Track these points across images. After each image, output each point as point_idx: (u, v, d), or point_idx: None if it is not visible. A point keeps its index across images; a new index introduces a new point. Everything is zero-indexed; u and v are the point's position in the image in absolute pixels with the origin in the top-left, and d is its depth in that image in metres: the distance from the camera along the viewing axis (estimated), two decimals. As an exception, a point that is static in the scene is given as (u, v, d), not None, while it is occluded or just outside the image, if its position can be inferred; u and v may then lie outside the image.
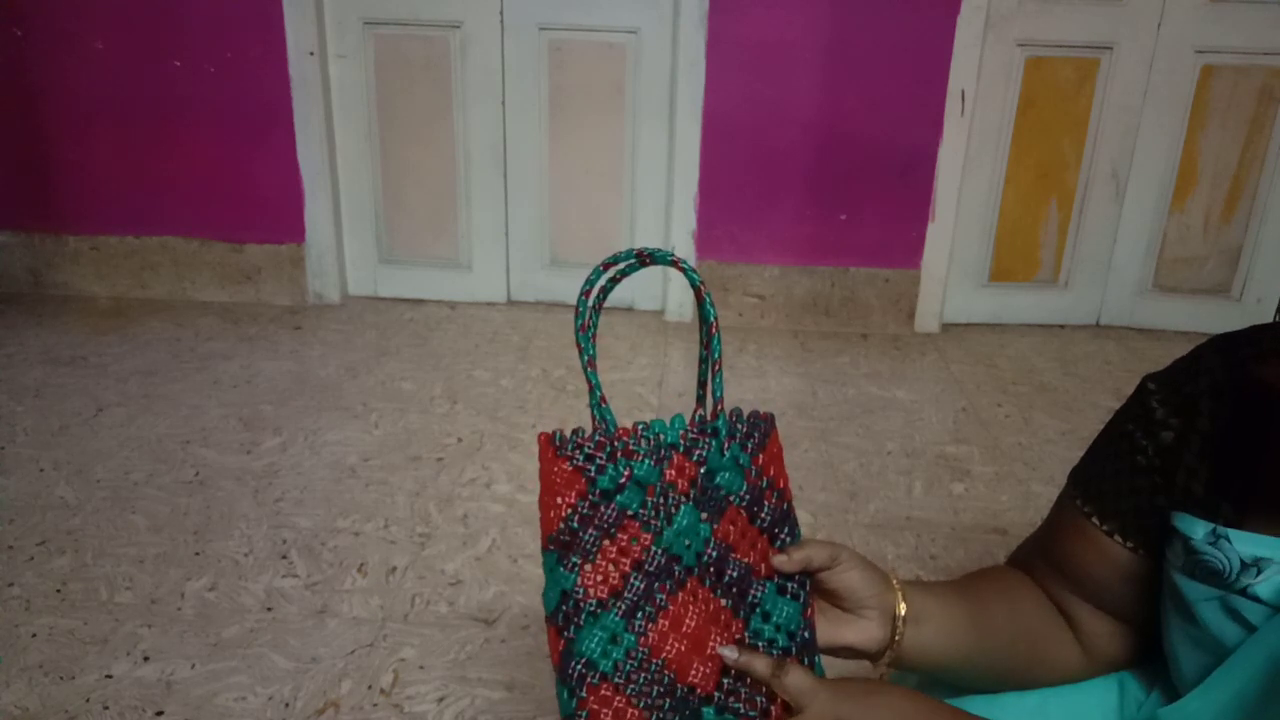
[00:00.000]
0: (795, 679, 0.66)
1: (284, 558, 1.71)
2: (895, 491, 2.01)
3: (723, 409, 0.71)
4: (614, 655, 0.65)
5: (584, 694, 0.64)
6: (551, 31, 2.75)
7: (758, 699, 0.68)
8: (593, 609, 0.65)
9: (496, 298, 3.03)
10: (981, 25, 2.63)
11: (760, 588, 0.70)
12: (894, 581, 0.74)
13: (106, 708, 1.35)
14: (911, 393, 2.49)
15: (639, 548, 0.67)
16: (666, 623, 0.67)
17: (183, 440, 2.11)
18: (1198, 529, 0.69)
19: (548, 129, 2.85)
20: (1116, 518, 0.76)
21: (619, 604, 0.66)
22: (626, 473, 0.67)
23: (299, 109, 2.78)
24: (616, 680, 0.65)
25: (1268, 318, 0.70)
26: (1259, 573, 0.66)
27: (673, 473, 0.68)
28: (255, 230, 2.91)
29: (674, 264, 0.69)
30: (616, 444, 0.67)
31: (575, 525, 0.66)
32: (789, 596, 0.70)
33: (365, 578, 1.66)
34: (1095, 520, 0.78)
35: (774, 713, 0.68)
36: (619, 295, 3.00)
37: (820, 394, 2.47)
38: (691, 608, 0.68)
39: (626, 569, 0.66)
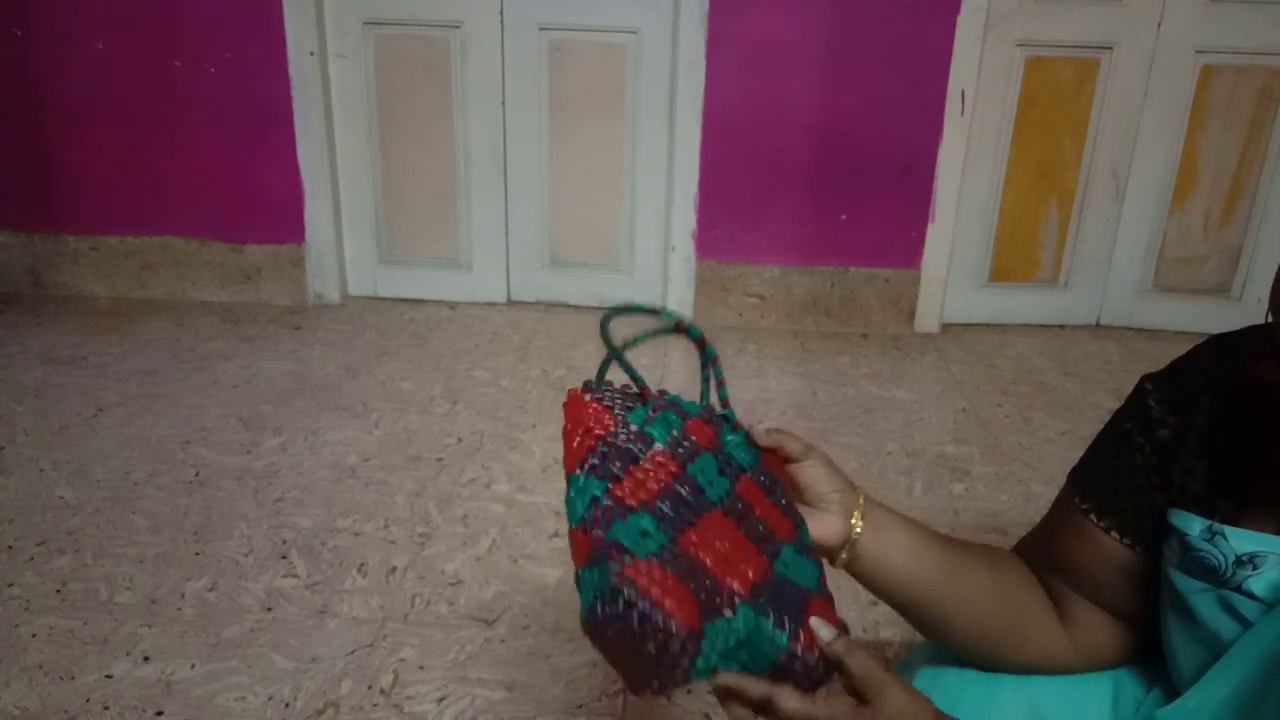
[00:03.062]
0: (789, 704, 0.65)
1: (284, 558, 1.71)
2: (895, 491, 2.01)
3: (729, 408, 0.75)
4: (648, 546, 0.64)
5: (619, 568, 0.62)
6: (551, 31, 2.75)
7: (786, 620, 0.66)
8: (621, 514, 0.65)
9: (496, 298, 3.03)
10: (981, 25, 2.63)
11: (780, 545, 0.70)
12: (857, 486, 0.78)
13: (106, 708, 1.35)
14: (911, 393, 2.49)
15: (667, 473, 0.68)
16: (696, 537, 0.66)
17: (183, 440, 2.11)
18: (1194, 525, 0.70)
19: (548, 129, 2.85)
20: (1114, 515, 0.77)
21: (649, 512, 0.66)
22: (654, 410, 0.70)
23: (299, 109, 2.78)
24: (653, 561, 0.63)
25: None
26: (1254, 569, 0.66)
27: (693, 428, 0.72)
28: (255, 230, 2.91)
29: (679, 328, 0.73)
30: (645, 390, 0.72)
31: (605, 451, 0.68)
32: (808, 557, 0.71)
33: (365, 578, 1.66)
34: (1093, 517, 0.78)
35: (803, 637, 0.65)
36: (618, 295, 2.99)
37: (820, 394, 2.47)
38: (721, 531, 0.68)
39: (655, 489, 0.67)
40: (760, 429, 0.75)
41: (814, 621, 0.65)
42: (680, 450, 0.70)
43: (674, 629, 0.60)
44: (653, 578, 0.62)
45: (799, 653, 0.64)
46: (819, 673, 0.65)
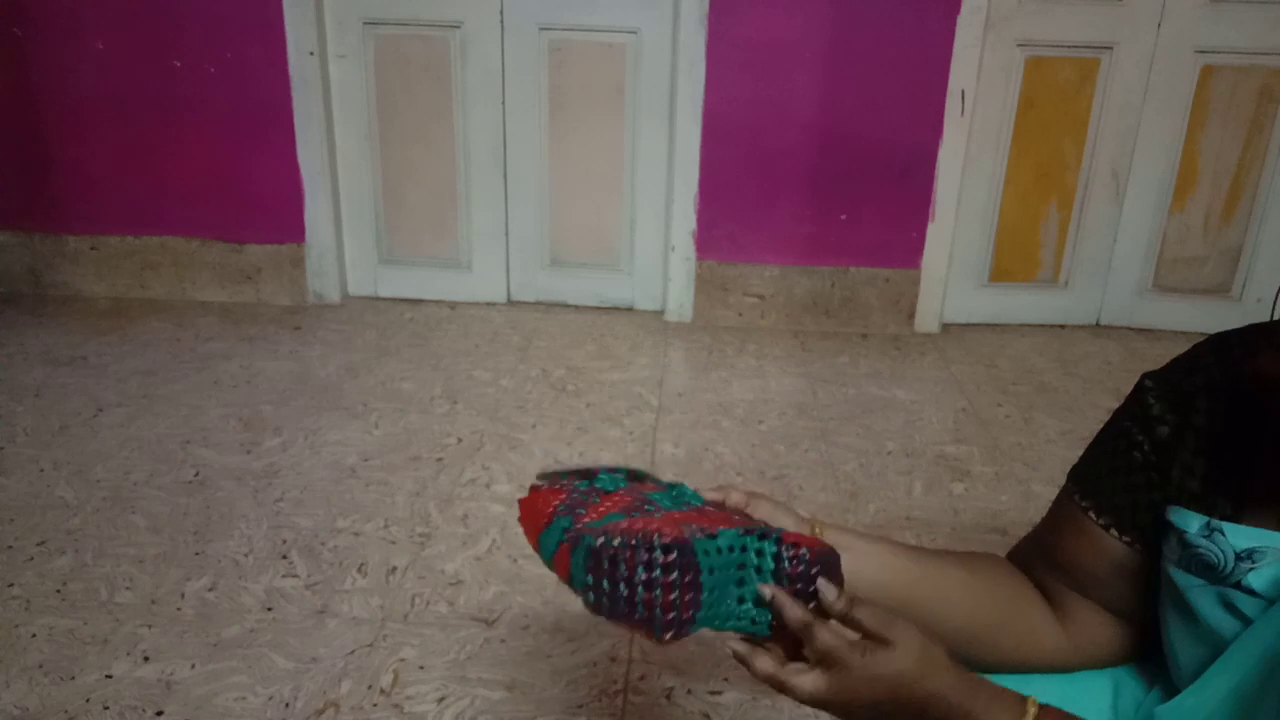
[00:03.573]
0: (825, 638, 0.67)
1: (284, 558, 1.71)
2: (895, 491, 2.01)
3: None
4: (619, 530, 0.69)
5: (598, 534, 0.67)
6: (551, 31, 2.75)
7: (769, 532, 0.70)
8: (592, 518, 0.70)
9: (496, 298, 3.03)
10: (981, 25, 2.63)
11: (751, 525, 0.74)
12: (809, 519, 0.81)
13: (106, 708, 1.35)
14: (911, 393, 2.49)
15: (627, 500, 0.72)
16: (662, 520, 0.71)
17: (183, 440, 2.11)
18: (1192, 522, 0.70)
19: (548, 129, 2.85)
20: (1113, 512, 0.77)
21: (616, 512, 0.71)
22: (598, 471, 0.75)
23: (299, 109, 2.78)
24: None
25: (1267, 317, 0.72)
26: (1253, 565, 0.67)
27: (641, 486, 0.76)
28: (255, 230, 2.91)
29: (631, 475, 0.78)
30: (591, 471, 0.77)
31: (563, 509, 0.72)
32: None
33: (365, 578, 1.66)
34: (1092, 515, 0.79)
35: (785, 539, 0.69)
36: (618, 295, 3.00)
37: (820, 394, 2.47)
38: (689, 519, 0.72)
39: (617, 507, 0.71)
40: (707, 490, 0.79)
41: (821, 583, 0.68)
42: (633, 491, 0.74)
43: (657, 540, 0.64)
44: (631, 526, 0.67)
45: (788, 553, 0.67)
46: (812, 573, 0.68)
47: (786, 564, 0.67)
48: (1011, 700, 0.68)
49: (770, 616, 0.69)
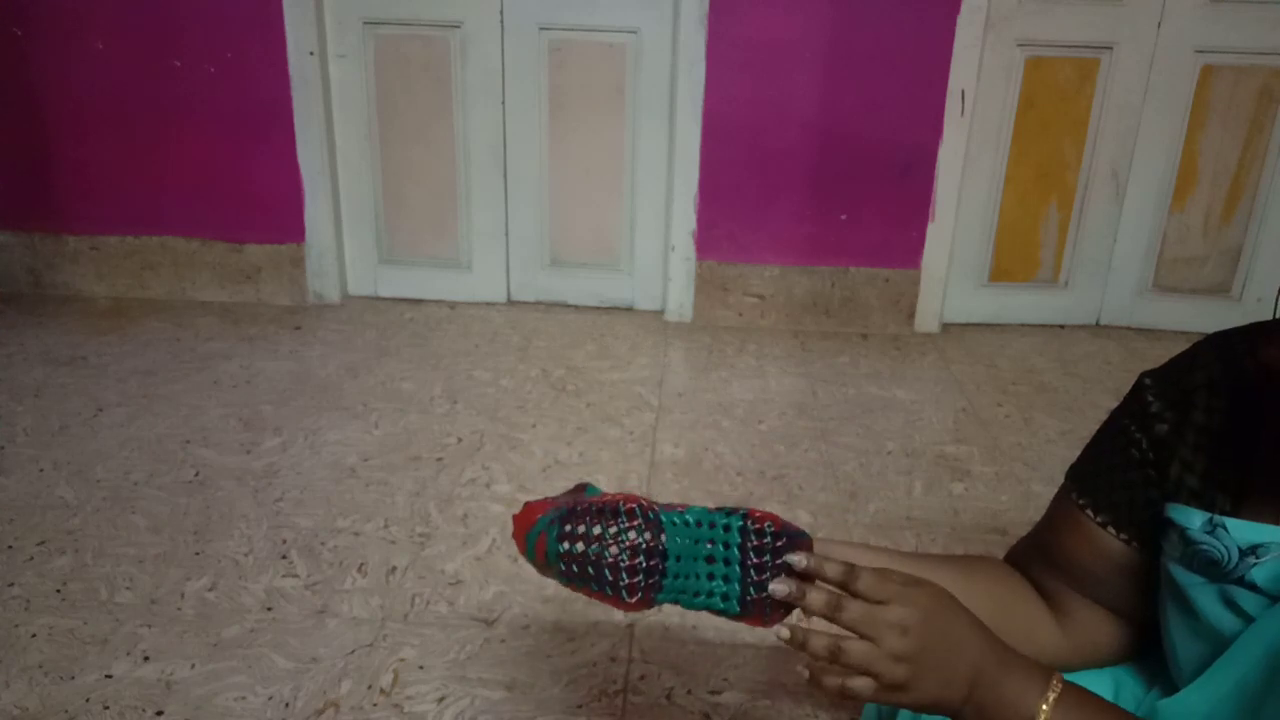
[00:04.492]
0: (866, 582, 0.67)
1: (284, 558, 1.71)
2: (895, 491, 2.01)
3: None
4: None
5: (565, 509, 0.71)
6: (551, 31, 2.75)
7: (736, 508, 0.73)
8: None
9: (496, 298, 3.03)
10: (981, 25, 2.63)
11: None
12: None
13: (106, 708, 1.35)
14: (911, 393, 2.49)
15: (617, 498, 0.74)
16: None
17: (183, 440, 2.11)
18: (1194, 519, 0.70)
19: (548, 129, 2.85)
20: (1110, 510, 0.77)
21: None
22: (586, 485, 0.78)
23: (299, 109, 2.78)
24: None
25: (1267, 317, 0.72)
26: (1256, 560, 0.67)
27: None
28: (255, 230, 2.91)
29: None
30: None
31: (552, 512, 0.74)
32: None
33: (365, 578, 1.66)
34: (1089, 512, 0.79)
35: (752, 513, 0.72)
36: (618, 295, 3.00)
37: (820, 394, 2.47)
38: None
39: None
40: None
41: (790, 556, 0.70)
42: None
43: (621, 506, 0.68)
44: (603, 499, 0.71)
45: (752, 526, 0.70)
46: (777, 545, 0.70)
47: (752, 537, 0.70)
48: (1037, 670, 0.68)
49: (740, 592, 0.70)
